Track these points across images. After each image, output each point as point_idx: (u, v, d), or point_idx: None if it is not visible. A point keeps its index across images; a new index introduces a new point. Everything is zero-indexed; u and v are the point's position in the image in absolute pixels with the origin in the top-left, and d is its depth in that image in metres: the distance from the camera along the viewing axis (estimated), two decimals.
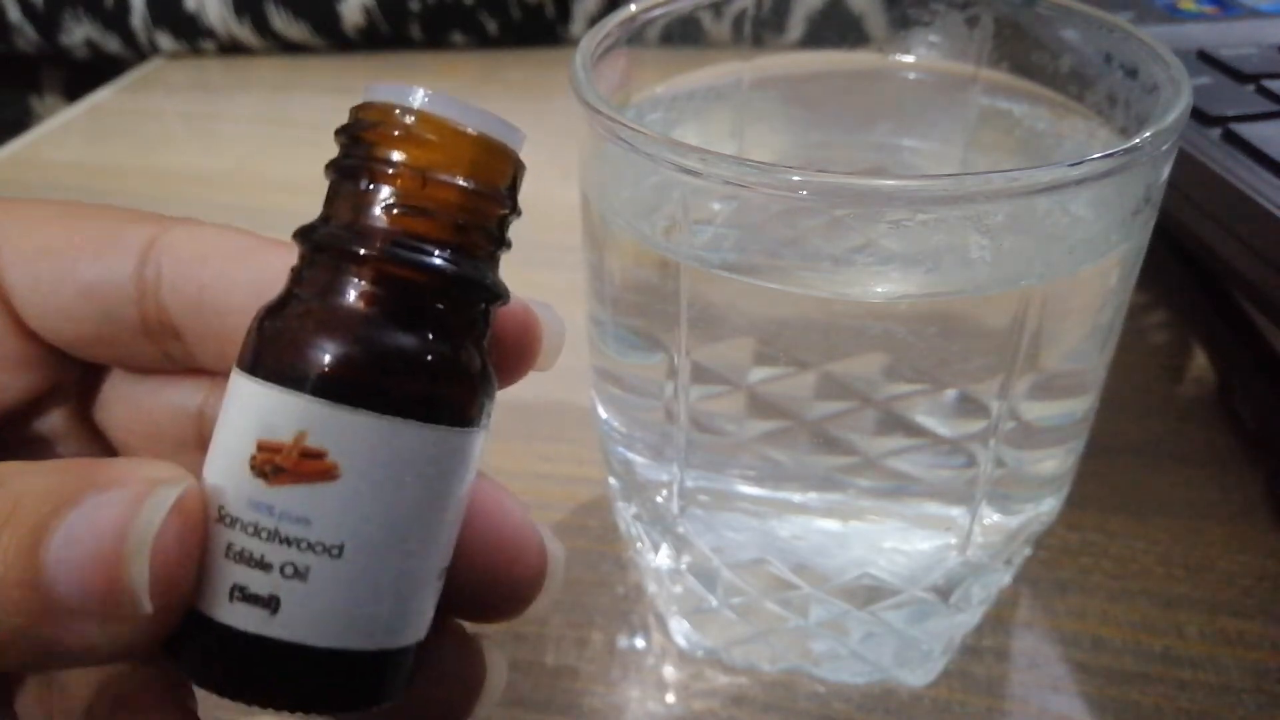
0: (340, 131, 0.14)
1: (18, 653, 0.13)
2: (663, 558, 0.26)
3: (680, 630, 0.28)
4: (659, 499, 0.24)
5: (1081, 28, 0.24)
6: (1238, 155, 0.29)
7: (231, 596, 0.13)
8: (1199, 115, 0.30)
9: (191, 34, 0.67)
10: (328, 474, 0.13)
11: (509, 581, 0.16)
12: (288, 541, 0.13)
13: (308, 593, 0.13)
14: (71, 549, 0.12)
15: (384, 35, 0.67)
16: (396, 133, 0.14)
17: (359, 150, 0.14)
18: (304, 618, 0.13)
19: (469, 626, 0.17)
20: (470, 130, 0.14)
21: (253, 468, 0.13)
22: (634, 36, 0.24)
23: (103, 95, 0.65)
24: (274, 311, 0.14)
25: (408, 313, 0.14)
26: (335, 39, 0.67)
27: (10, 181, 0.54)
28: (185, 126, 0.62)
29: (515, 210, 0.15)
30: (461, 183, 0.14)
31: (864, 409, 0.21)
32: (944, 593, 0.24)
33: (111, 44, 0.68)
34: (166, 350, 0.18)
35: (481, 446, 0.15)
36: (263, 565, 0.13)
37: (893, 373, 0.21)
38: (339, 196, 0.14)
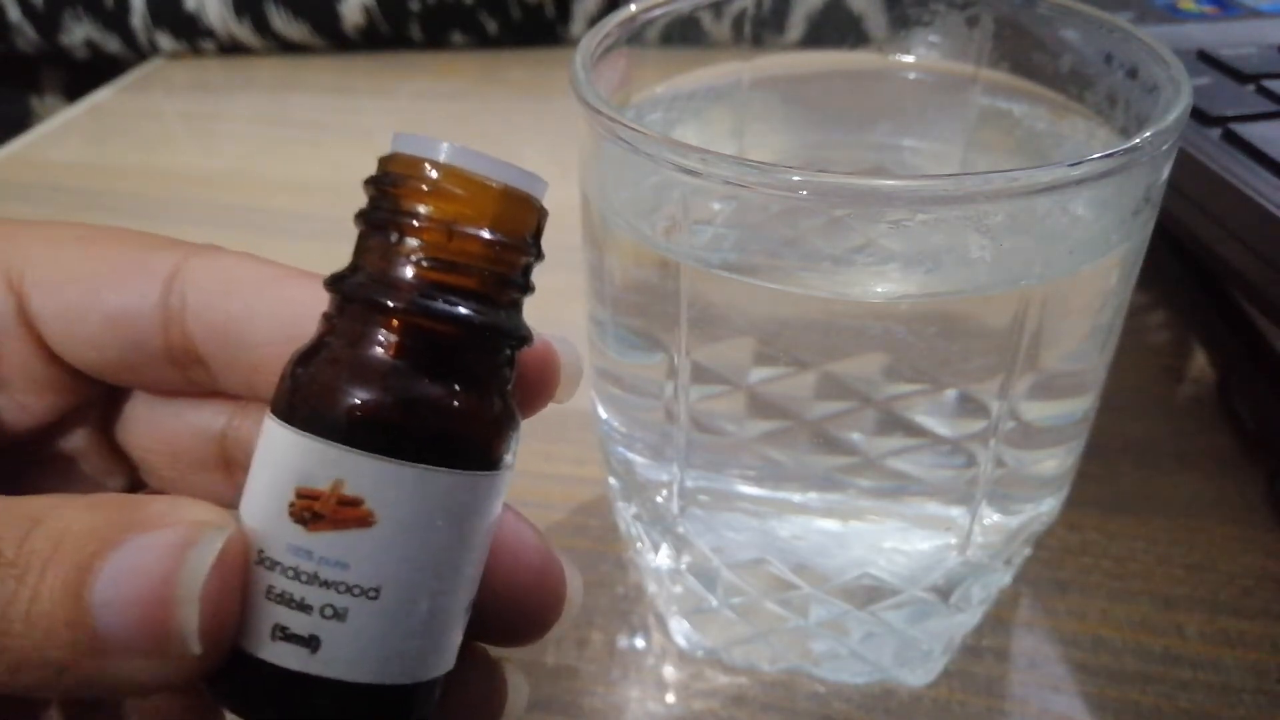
0: (368, 183, 0.15)
1: (62, 685, 0.13)
2: (663, 558, 0.26)
3: (680, 630, 0.28)
4: (659, 499, 0.24)
5: (1081, 28, 0.24)
6: (1238, 155, 0.29)
7: (273, 636, 0.14)
8: (1199, 115, 0.30)
9: (191, 34, 0.67)
10: (364, 520, 0.14)
11: (531, 608, 0.17)
12: (327, 584, 0.14)
13: (346, 632, 0.14)
14: (117, 590, 0.13)
15: (384, 35, 0.67)
16: (424, 187, 0.14)
17: (385, 204, 0.14)
18: (343, 656, 0.14)
19: (492, 651, 0.18)
20: (495, 183, 0.14)
21: (292, 514, 0.14)
22: (634, 36, 0.24)
23: (103, 95, 0.65)
24: (306, 359, 0.15)
25: (437, 363, 0.14)
26: (335, 39, 0.67)
27: (10, 181, 0.54)
28: (185, 126, 0.62)
29: (539, 256, 0.15)
30: (487, 235, 0.14)
31: (864, 409, 0.21)
32: (944, 593, 0.24)
33: (111, 44, 0.68)
34: (190, 376, 0.18)
35: (508, 483, 0.15)
36: (303, 607, 0.14)
37: (893, 373, 0.21)
38: (368, 247, 0.15)
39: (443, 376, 0.14)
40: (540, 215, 0.15)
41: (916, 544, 0.23)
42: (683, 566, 0.26)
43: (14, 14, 0.68)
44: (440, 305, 0.14)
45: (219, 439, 0.19)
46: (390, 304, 0.14)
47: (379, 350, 0.14)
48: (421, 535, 0.14)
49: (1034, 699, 0.26)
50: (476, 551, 0.15)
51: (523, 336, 0.15)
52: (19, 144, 0.58)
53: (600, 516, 0.31)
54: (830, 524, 0.23)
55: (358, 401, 0.14)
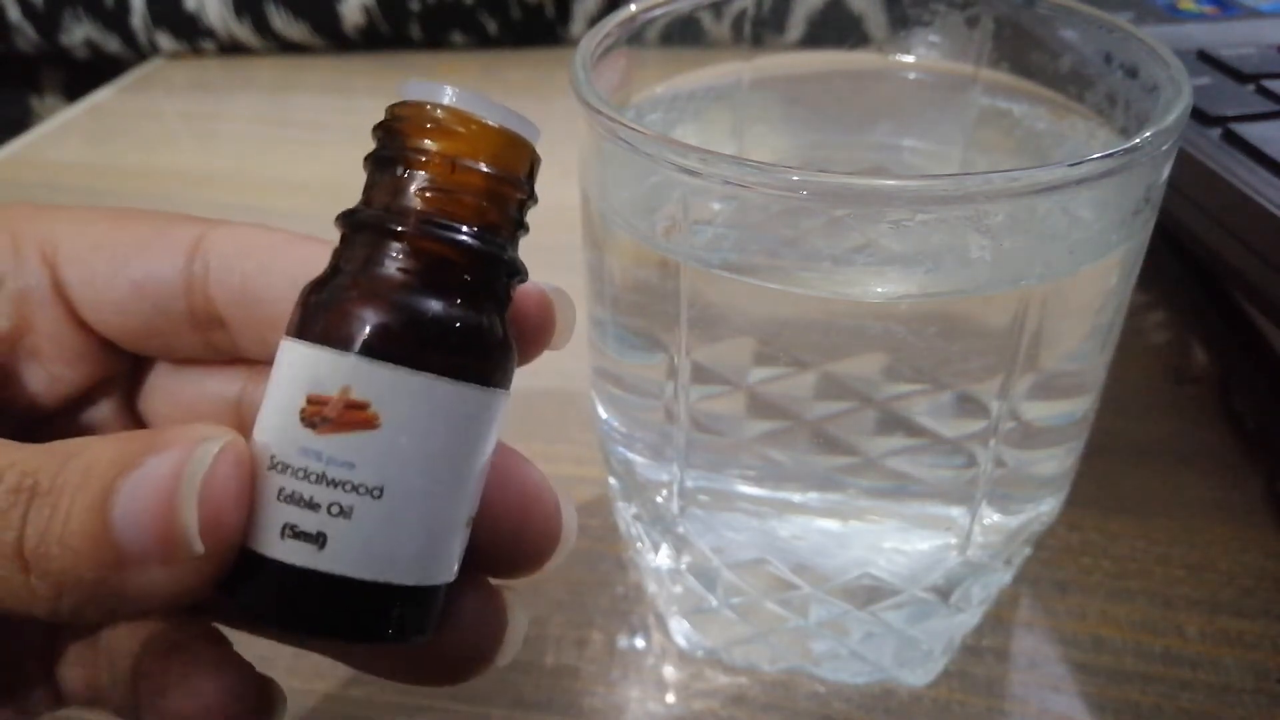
0: (378, 127, 0.16)
1: (95, 604, 0.14)
2: (663, 558, 0.26)
3: (680, 630, 0.28)
4: (659, 499, 0.24)
5: (1081, 28, 0.24)
6: (1238, 155, 0.29)
7: (283, 534, 0.15)
8: (1199, 115, 0.30)
9: (191, 34, 0.67)
10: (370, 423, 0.15)
11: (528, 537, 0.18)
12: (334, 484, 0.15)
13: (352, 529, 0.15)
14: (134, 504, 0.14)
15: (384, 35, 0.67)
16: (428, 125, 0.15)
17: (394, 142, 0.16)
18: (348, 552, 0.15)
19: (493, 582, 0.19)
20: (492, 123, 0.16)
21: (302, 419, 0.15)
22: (634, 36, 0.24)
23: (103, 95, 0.65)
24: (319, 285, 0.16)
25: (439, 283, 0.15)
26: (335, 39, 0.67)
27: (10, 181, 0.54)
28: (185, 126, 0.62)
29: (532, 197, 0.17)
30: (485, 169, 0.16)
31: (864, 409, 0.21)
32: (944, 593, 0.24)
33: (111, 44, 0.68)
34: (211, 340, 0.19)
35: (504, 410, 0.16)
36: (311, 505, 0.15)
37: (893, 373, 0.21)
38: (377, 183, 0.16)
39: (445, 295, 0.15)
40: (534, 158, 0.16)
41: (916, 544, 0.23)
42: (683, 566, 0.26)
43: (14, 14, 0.68)
44: (443, 230, 0.15)
45: (235, 404, 0.20)
46: (398, 228, 0.15)
47: (387, 270, 0.15)
48: (422, 440, 0.15)
49: (1034, 699, 0.26)
50: (475, 466, 0.16)
51: (518, 269, 0.16)
52: (19, 144, 0.58)
53: (600, 516, 0.31)
54: (830, 524, 0.23)
55: (366, 314, 0.15)
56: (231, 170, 0.55)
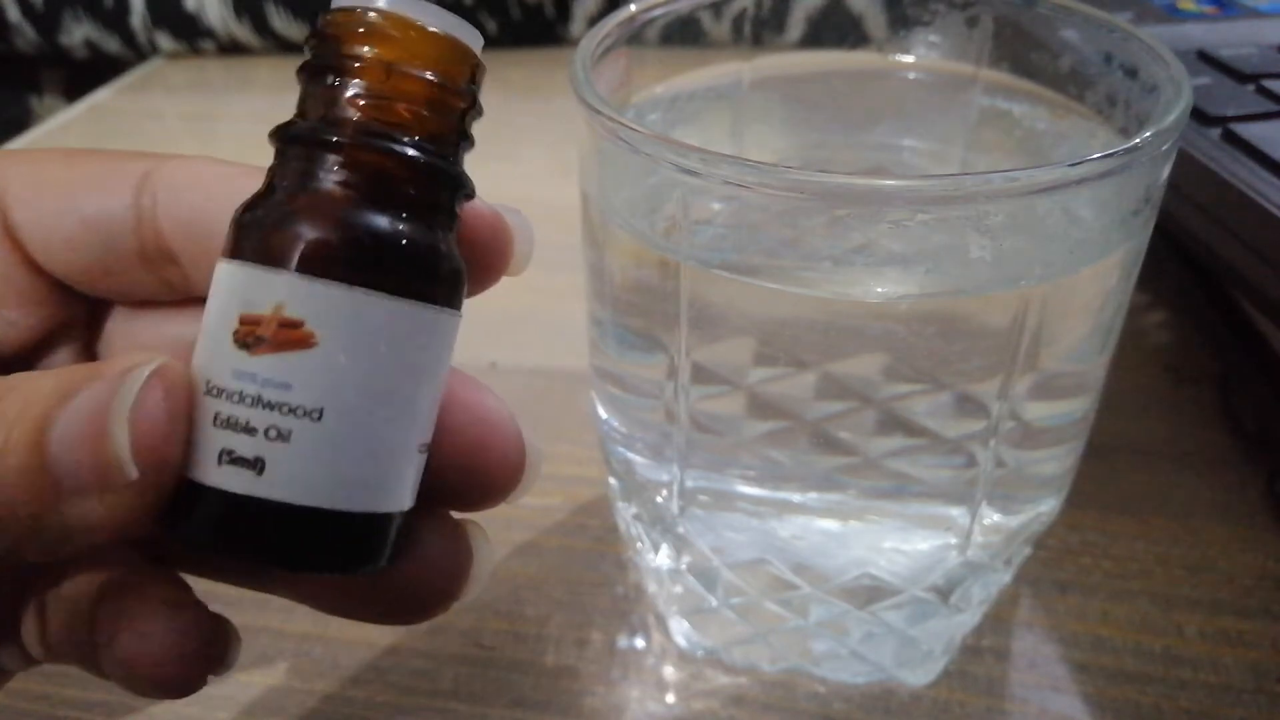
0: (310, 36, 0.15)
1: (35, 538, 0.14)
2: (663, 558, 0.26)
3: (680, 630, 0.28)
4: (659, 499, 0.24)
5: (1081, 28, 0.24)
6: (1238, 155, 0.29)
7: (220, 460, 0.14)
8: (1199, 115, 0.30)
9: (191, 34, 0.67)
10: (305, 342, 0.14)
11: (487, 466, 0.17)
12: (270, 406, 0.14)
13: (291, 453, 0.14)
14: (68, 432, 0.14)
15: None
16: (362, 30, 0.15)
17: (327, 49, 0.15)
18: (288, 477, 0.14)
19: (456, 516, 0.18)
20: (431, 28, 0.15)
21: (235, 340, 0.14)
22: (634, 36, 0.24)
23: (103, 95, 0.65)
24: (253, 204, 0.15)
25: (377, 195, 0.15)
26: None
27: None
28: (185, 126, 0.62)
29: (476, 106, 0.16)
30: (424, 75, 0.15)
31: (864, 409, 0.21)
32: (944, 593, 0.24)
33: (111, 44, 0.68)
34: (165, 278, 0.18)
35: (454, 332, 0.16)
36: (248, 430, 0.14)
37: (893, 373, 0.21)
38: (311, 95, 0.15)
39: (383, 208, 0.15)
40: (476, 65, 0.16)
41: (916, 544, 0.23)
42: (683, 566, 0.26)
43: (14, 14, 0.68)
44: (381, 140, 0.15)
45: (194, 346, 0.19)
46: (333, 138, 0.15)
47: (321, 183, 0.15)
48: (363, 360, 0.14)
49: (1034, 699, 0.26)
50: (424, 388, 0.15)
51: (463, 184, 0.16)
52: (19, 144, 0.58)
53: (600, 516, 0.31)
54: (830, 524, 0.23)
55: (299, 228, 0.14)
56: None
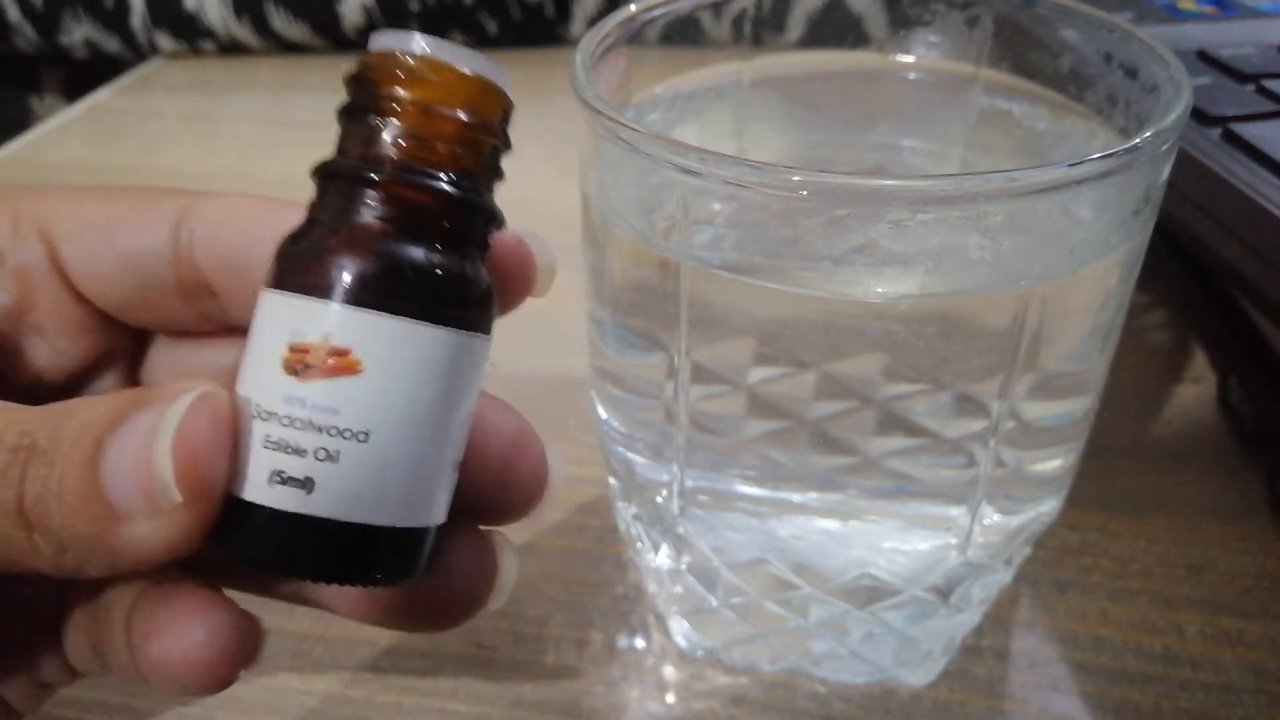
0: (349, 79, 0.16)
1: (96, 559, 0.15)
2: (663, 558, 0.26)
3: (680, 630, 0.28)
4: (659, 499, 0.24)
5: (1081, 28, 0.24)
6: (1238, 155, 0.29)
7: (270, 480, 0.15)
8: (1199, 115, 0.30)
9: (191, 34, 0.67)
10: (353, 369, 0.15)
11: (514, 482, 0.18)
12: (319, 429, 0.15)
13: (339, 473, 0.15)
14: (120, 459, 0.14)
15: None
16: (400, 73, 0.16)
17: (367, 91, 0.16)
18: (336, 495, 0.15)
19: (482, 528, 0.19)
20: (465, 70, 0.16)
21: (285, 367, 0.15)
22: (634, 36, 0.24)
23: (102, 95, 0.65)
24: (296, 237, 0.16)
25: (417, 229, 0.15)
26: (335, 39, 0.67)
27: (10, 181, 0.54)
28: (185, 126, 0.62)
29: (506, 143, 0.17)
30: (458, 115, 0.16)
31: (864, 409, 0.21)
32: (944, 593, 0.24)
33: (111, 44, 0.68)
34: (203, 309, 0.19)
35: (486, 355, 0.17)
36: (298, 451, 0.15)
37: (893, 373, 0.21)
38: (350, 134, 0.16)
39: (423, 241, 0.15)
40: (506, 105, 0.16)
41: (916, 544, 0.23)
42: (683, 566, 0.26)
43: (14, 14, 0.68)
44: (419, 177, 0.15)
45: (234, 372, 0.20)
46: (373, 176, 0.15)
47: (364, 218, 0.15)
48: (405, 385, 0.15)
49: (1034, 699, 0.26)
50: (459, 410, 0.16)
51: (495, 215, 0.17)
52: (19, 144, 0.58)
53: (600, 516, 0.31)
54: (830, 524, 0.23)
55: (345, 262, 0.15)
56: (231, 170, 0.55)
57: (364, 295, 0.15)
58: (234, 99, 0.65)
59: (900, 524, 0.23)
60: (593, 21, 0.57)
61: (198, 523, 0.15)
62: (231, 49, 0.68)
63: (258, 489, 0.15)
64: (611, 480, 0.27)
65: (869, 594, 0.24)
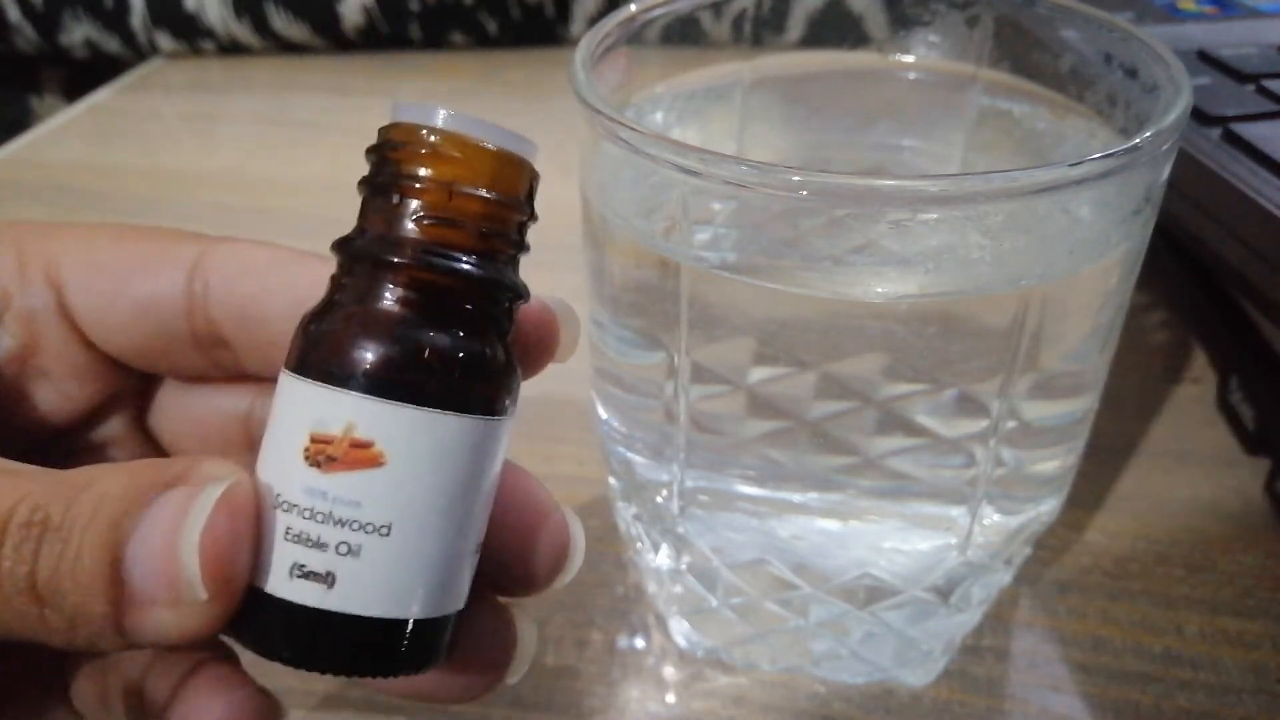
0: (371, 151, 0.16)
1: (109, 638, 0.14)
2: (663, 558, 0.26)
3: (680, 630, 0.28)
4: (659, 499, 0.24)
5: (1081, 28, 0.24)
6: (1238, 155, 0.29)
7: (291, 574, 0.15)
8: (1199, 115, 0.30)
9: (191, 34, 0.67)
10: (375, 461, 0.15)
11: (537, 556, 0.18)
12: (341, 523, 0.15)
13: (360, 568, 0.15)
14: (144, 545, 0.14)
15: (384, 35, 0.67)
16: (423, 151, 0.15)
17: (388, 168, 0.15)
18: (358, 590, 0.15)
19: (502, 599, 0.19)
20: (490, 146, 0.15)
21: (306, 458, 0.15)
22: (634, 36, 0.24)
23: (102, 95, 0.65)
24: (318, 317, 0.16)
25: (440, 314, 0.15)
26: (335, 39, 0.67)
27: (10, 181, 0.54)
28: (185, 126, 0.62)
29: (533, 216, 0.16)
30: (484, 194, 0.15)
31: (864, 409, 0.21)
32: (944, 593, 0.24)
33: (111, 44, 0.68)
34: (215, 359, 0.19)
35: (509, 433, 0.16)
36: (319, 545, 0.15)
37: (893, 373, 0.21)
38: (372, 210, 0.15)
39: (446, 326, 0.15)
40: (532, 177, 0.16)
41: (916, 544, 0.23)
42: (683, 566, 0.26)
43: (14, 14, 0.68)
44: (443, 260, 0.15)
45: (244, 420, 0.20)
46: (396, 259, 0.15)
47: (386, 303, 0.15)
48: (429, 476, 0.15)
49: (1034, 699, 0.26)
50: (482, 495, 0.16)
51: (520, 291, 0.16)
52: (19, 144, 0.58)
53: (600, 516, 0.31)
54: (830, 524, 0.23)
55: (367, 350, 0.15)
56: (231, 170, 0.55)
57: (387, 385, 0.15)
58: (234, 99, 0.65)
59: (900, 524, 0.23)
60: (593, 21, 0.57)
61: (219, 615, 0.15)
62: (231, 49, 0.68)
63: (278, 582, 0.15)
64: (611, 480, 0.27)
65: (869, 594, 0.24)
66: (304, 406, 0.15)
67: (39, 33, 0.68)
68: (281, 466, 0.15)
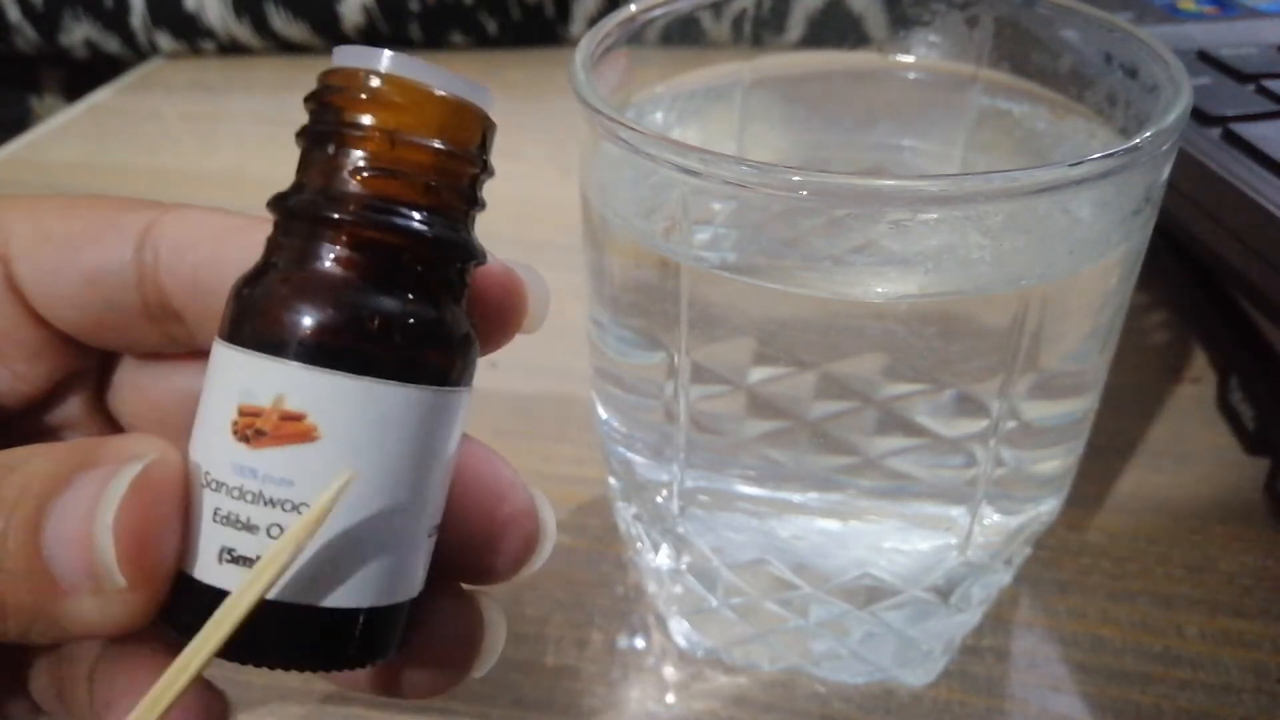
0: (309, 98, 0.14)
1: (40, 629, 0.13)
2: (663, 558, 0.26)
3: (680, 630, 0.28)
4: (659, 499, 0.24)
5: (1081, 28, 0.24)
6: (1238, 155, 0.29)
7: (220, 559, 0.14)
8: (1199, 115, 0.30)
9: (191, 34, 0.67)
10: (308, 435, 0.13)
11: (501, 541, 0.16)
12: (272, 503, 0.13)
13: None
14: (63, 529, 0.13)
15: (384, 35, 0.67)
16: (364, 96, 0.14)
17: (328, 115, 0.14)
18: (292, 578, 0.13)
19: (467, 586, 0.18)
20: (437, 91, 0.14)
21: (234, 432, 0.13)
22: (634, 36, 0.24)
23: (102, 95, 0.65)
24: (251, 280, 0.14)
25: (383, 275, 0.14)
26: (335, 39, 0.67)
27: (10, 181, 0.54)
28: (185, 126, 0.62)
29: (487, 170, 0.15)
30: (431, 144, 0.14)
31: (864, 409, 0.21)
32: (944, 593, 0.24)
33: (111, 44, 0.68)
34: (170, 333, 0.18)
35: (466, 407, 0.15)
36: (249, 527, 0.13)
37: (893, 373, 0.21)
38: (311, 163, 0.14)
39: (389, 289, 0.14)
40: (487, 127, 0.15)
41: (916, 544, 0.23)
42: (683, 566, 0.26)
43: (14, 14, 0.68)
44: (385, 216, 0.14)
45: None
46: (335, 216, 0.14)
47: (323, 264, 0.14)
48: (370, 452, 0.13)
49: (1034, 699, 0.26)
50: (434, 474, 0.14)
51: (474, 252, 0.15)
52: (19, 144, 0.58)
53: (600, 516, 0.31)
54: (830, 524, 0.23)
55: (300, 314, 0.13)
56: (231, 170, 0.55)
57: (321, 353, 0.13)
58: (234, 99, 0.65)
59: (900, 524, 0.23)
60: (593, 21, 0.57)
61: (146, 603, 0.14)
62: (231, 49, 0.68)
63: (207, 568, 0.14)
64: (611, 480, 0.27)
65: (869, 594, 0.24)
66: (233, 377, 0.14)
67: (39, 33, 0.68)
68: (209, 442, 0.14)
